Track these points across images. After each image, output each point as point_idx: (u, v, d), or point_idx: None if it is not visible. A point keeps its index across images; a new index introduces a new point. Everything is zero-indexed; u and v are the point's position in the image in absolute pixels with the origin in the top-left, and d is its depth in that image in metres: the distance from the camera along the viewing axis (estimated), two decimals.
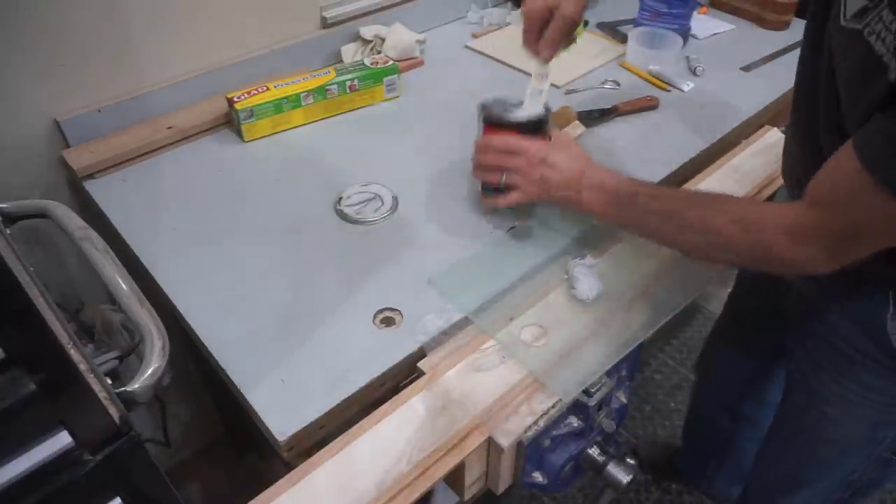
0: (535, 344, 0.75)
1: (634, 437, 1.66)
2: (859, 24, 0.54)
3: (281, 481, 0.63)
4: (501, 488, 0.74)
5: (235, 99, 1.03)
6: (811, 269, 0.62)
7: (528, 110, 0.83)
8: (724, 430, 1.29)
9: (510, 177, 0.81)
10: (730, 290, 1.18)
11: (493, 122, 0.84)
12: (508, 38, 1.36)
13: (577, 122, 1.07)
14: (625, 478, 0.77)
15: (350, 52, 1.24)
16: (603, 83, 1.22)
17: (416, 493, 0.62)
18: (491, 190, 0.87)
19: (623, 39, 1.33)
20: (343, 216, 0.92)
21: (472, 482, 0.72)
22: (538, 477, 0.75)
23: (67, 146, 1.00)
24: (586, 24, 1.39)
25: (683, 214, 0.69)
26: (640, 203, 0.73)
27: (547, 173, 0.78)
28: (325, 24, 1.23)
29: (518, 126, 0.82)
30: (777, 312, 0.94)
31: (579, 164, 0.78)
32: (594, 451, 0.78)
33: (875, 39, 0.52)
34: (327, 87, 1.09)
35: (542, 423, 0.68)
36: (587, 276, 0.80)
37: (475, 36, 1.37)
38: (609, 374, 0.73)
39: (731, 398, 1.23)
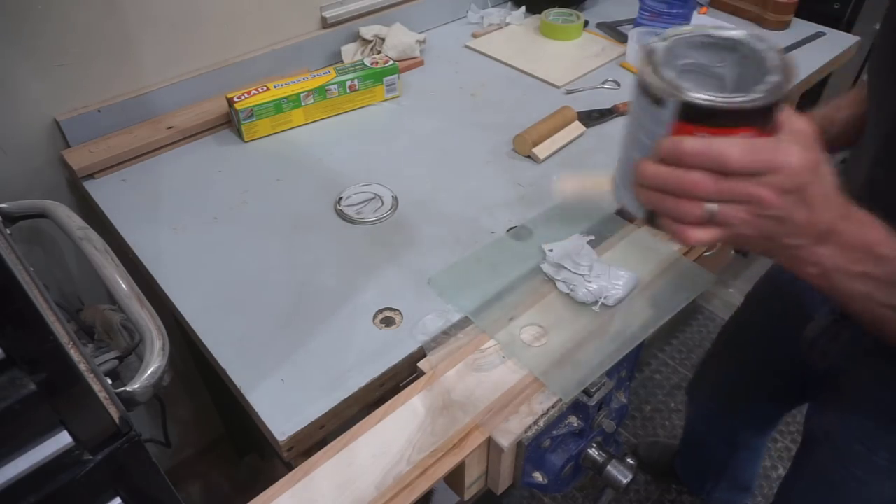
0: (534, 344, 0.75)
1: (634, 437, 1.66)
2: None
3: (281, 481, 0.63)
4: (501, 488, 0.74)
5: (235, 99, 1.03)
6: None
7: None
8: (719, 454, 1.26)
9: (729, 208, 0.43)
10: (731, 289, 1.17)
11: (702, 114, 0.41)
12: (508, 38, 1.36)
13: (577, 122, 1.07)
14: (625, 478, 0.77)
15: (350, 52, 1.24)
16: (603, 83, 1.22)
17: (416, 493, 0.62)
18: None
19: (623, 39, 1.33)
20: (343, 216, 0.92)
21: (472, 482, 0.72)
22: (538, 477, 0.75)
23: (67, 146, 1.00)
24: (586, 23, 1.39)
25: None
26: None
27: (796, 212, 0.43)
28: (325, 24, 1.23)
29: (747, 116, 0.41)
30: (788, 363, 0.91)
31: (838, 200, 0.45)
32: (594, 451, 0.78)
33: None
34: (327, 87, 1.09)
35: (542, 423, 0.68)
36: (590, 280, 0.80)
37: (475, 36, 1.37)
38: (609, 374, 0.73)
39: (727, 429, 1.21)
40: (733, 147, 0.40)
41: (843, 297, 0.48)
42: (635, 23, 1.34)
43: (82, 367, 0.41)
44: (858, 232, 0.46)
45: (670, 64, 0.43)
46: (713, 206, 0.42)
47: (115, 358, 0.73)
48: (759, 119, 0.41)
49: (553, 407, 0.69)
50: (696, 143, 0.41)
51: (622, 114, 1.12)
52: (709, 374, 1.21)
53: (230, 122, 1.09)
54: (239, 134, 1.06)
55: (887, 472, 0.77)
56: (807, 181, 0.42)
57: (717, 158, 0.40)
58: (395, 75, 1.15)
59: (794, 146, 0.41)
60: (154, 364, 0.59)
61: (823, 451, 0.87)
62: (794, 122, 0.43)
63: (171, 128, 1.04)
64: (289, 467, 0.65)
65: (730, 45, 0.45)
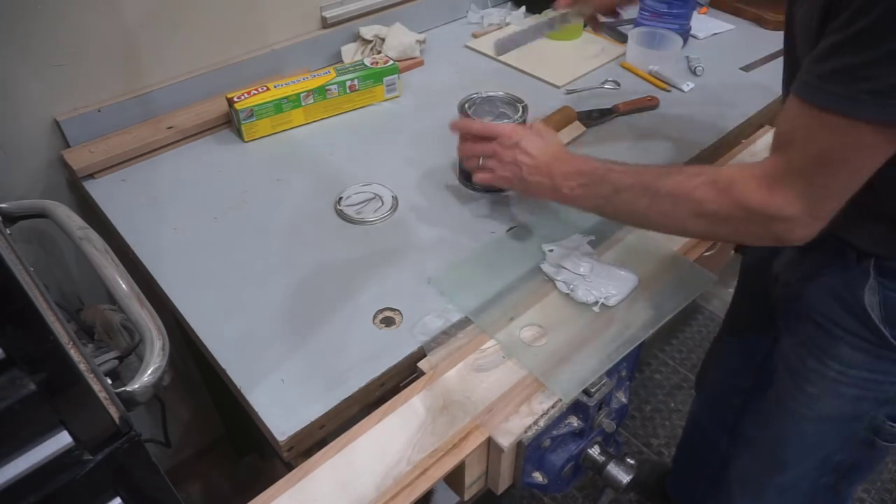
0: (535, 344, 0.75)
1: (634, 437, 1.66)
2: None
3: (281, 481, 0.63)
4: (501, 488, 0.74)
5: (235, 99, 1.03)
6: (794, 223, 0.60)
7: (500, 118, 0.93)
8: (719, 451, 1.26)
9: (486, 161, 0.83)
10: (731, 289, 1.17)
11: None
12: None
13: (577, 122, 1.07)
14: (625, 478, 0.76)
15: (350, 52, 1.24)
16: (603, 83, 1.22)
17: (416, 494, 0.62)
18: (468, 178, 0.94)
19: (623, 39, 1.33)
20: (343, 216, 0.92)
21: (472, 482, 0.72)
22: (538, 477, 0.75)
23: (67, 146, 1.00)
24: (586, 24, 1.39)
25: (657, 185, 0.68)
26: (613, 179, 0.72)
27: (520, 158, 0.79)
28: (325, 24, 1.23)
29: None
30: (772, 316, 0.93)
31: (553, 150, 0.79)
32: (594, 451, 0.78)
33: None
34: (327, 87, 1.09)
35: (542, 423, 0.68)
36: (589, 280, 0.80)
37: (475, 36, 1.37)
38: (609, 374, 0.73)
39: (729, 414, 1.21)
40: (477, 124, 0.86)
41: (574, 203, 0.77)
42: (635, 23, 1.34)
43: (82, 367, 0.41)
44: (567, 165, 0.76)
45: (471, 105, 0.94)
46: (479, 162, 0.84)
47: (115, 358, 0.73)
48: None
49: (553, 407, 0.69)
50: (464, 123, 0.87)
51: (622, 114, 1.12)
52: (713, 360, 1.23)
53: (230, 122, 1.09)
54: (239, 134, 1.06)
55: (836, 383, 0.80)
56: (520, 140, 0.79)
57: (468, 127, 0.85)
58: (395, 75, 1.15)
59: (509, 125, 0.82)
60: (154, 364, 0.59)
61: (782, 378, 0.89)
62: (535, 126, 0.83)
63: (171, 128, 1.04)
64: (289, 467, 0.65)
65: (508, 99, 0.95)
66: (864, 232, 0.71)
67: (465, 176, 0.97)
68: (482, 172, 0.84)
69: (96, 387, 0.43)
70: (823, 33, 0.54)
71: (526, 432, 0.67)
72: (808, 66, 0.55)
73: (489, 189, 0.95)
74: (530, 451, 0.69)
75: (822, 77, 0.54)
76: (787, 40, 0.71)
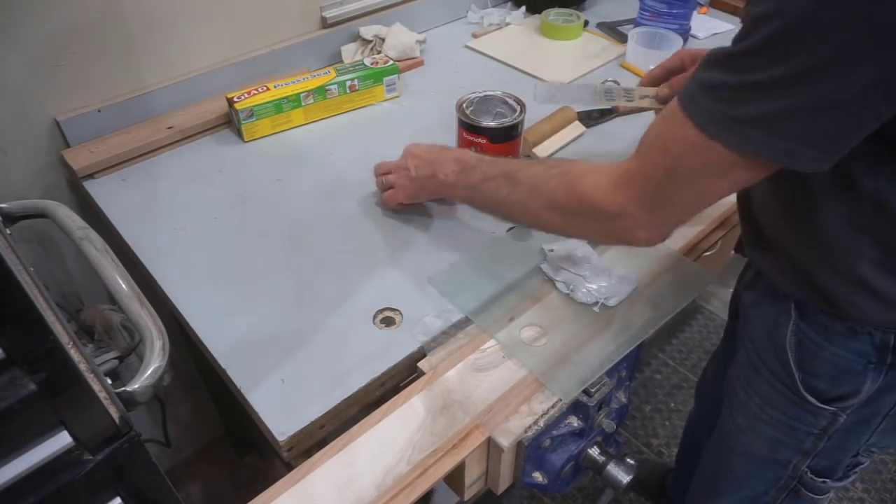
0: (534, 344, 0.75)
1: (634, 437, 1.66)
2: None
3: (281, 481, 0.63)
4: (501, 488, 0.74)
5: (235, 99, 1.03)
6: (633, 223, 0.59)
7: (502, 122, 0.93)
8: None
9: (387, 179, 0.89)
10: (731, 289, 1.17)
11: (467, 126, 0.92)
12: (508, 38, 1.36)
13: (577, 122, 1.07)
14: (625, 478, 0.76)
15: (350, 52, 1.24)
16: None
17: (416, 493, 0.62)
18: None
19: (623, 39, 1.33)
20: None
21: (472, 482, 0.72)
22: (538, 477, 0.75)
23: (67, 146, 1.00)
24: (586, 23, 1.39)
25: (518, 174, 0.70)
26: (483, 168, 0.75)
27: (410, 161, 0.85)
28: (325, 24, 1.23)
29: (489, 132, 0.91)
30: None
31: (439, 148, 0.84)
32: (594, 451, 0.78)
33: None
34: (327, 87, 1.09)
35: (542, 423, 0.68)
36: (589, 280, 0.80)
37: (475, 36, 1.37)
38: (609, 374, 0.73)
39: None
40: (386, 163, 0.92)
41: (452, 192, 0.81)
42: (635, 23, 1.34)
43: (82, 367, 0.41)
44: (447, 156, 0.81)
45: (469, 105, 0.95)
46: (387, 177, 0.89)
47: (115, 358, 0.73)
48: (492, 135, 0.91)
49: (553, 407, 0.69)
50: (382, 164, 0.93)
51: (622, 114, 1.12)
52: (709, 370, 1.22)
53: (230, 122, 1.09)
54: (239, 134, 1.06)
55: (758, 419, 0.80)
56: (411, 149, 0.86)
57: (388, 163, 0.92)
58: (395, 75, 1.15)
59: (414, 147, 0.87)
60: (154, 364, 0.59)
61: (724, 406, 0.89)
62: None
63: (171, 128, 1.04)
64: (289, 467, 0.65)
65: (506, 98, 0.96)
66: (779, 271, 0.71)
67: None
68: (389, 192, 0.89)
69: (96, 387, 0.43)
70: None
71: (526, 432, 0.67)
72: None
73: None
74: (530, 451, 0.69)
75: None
76: None
